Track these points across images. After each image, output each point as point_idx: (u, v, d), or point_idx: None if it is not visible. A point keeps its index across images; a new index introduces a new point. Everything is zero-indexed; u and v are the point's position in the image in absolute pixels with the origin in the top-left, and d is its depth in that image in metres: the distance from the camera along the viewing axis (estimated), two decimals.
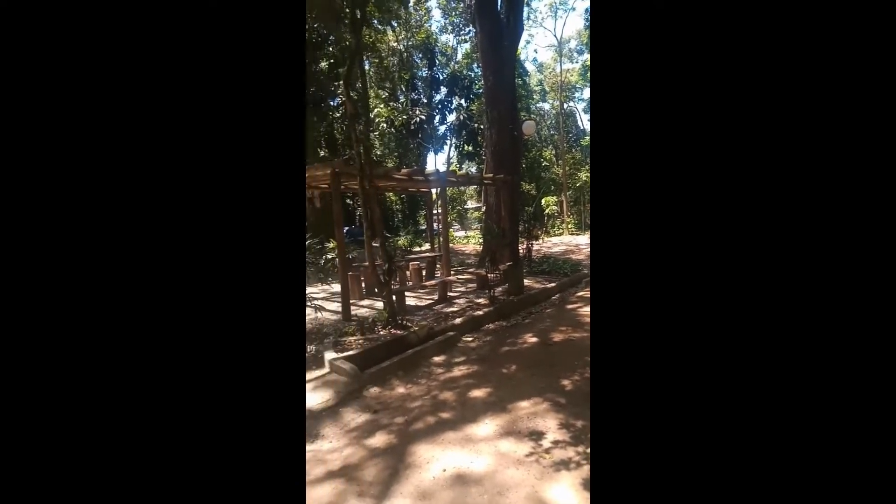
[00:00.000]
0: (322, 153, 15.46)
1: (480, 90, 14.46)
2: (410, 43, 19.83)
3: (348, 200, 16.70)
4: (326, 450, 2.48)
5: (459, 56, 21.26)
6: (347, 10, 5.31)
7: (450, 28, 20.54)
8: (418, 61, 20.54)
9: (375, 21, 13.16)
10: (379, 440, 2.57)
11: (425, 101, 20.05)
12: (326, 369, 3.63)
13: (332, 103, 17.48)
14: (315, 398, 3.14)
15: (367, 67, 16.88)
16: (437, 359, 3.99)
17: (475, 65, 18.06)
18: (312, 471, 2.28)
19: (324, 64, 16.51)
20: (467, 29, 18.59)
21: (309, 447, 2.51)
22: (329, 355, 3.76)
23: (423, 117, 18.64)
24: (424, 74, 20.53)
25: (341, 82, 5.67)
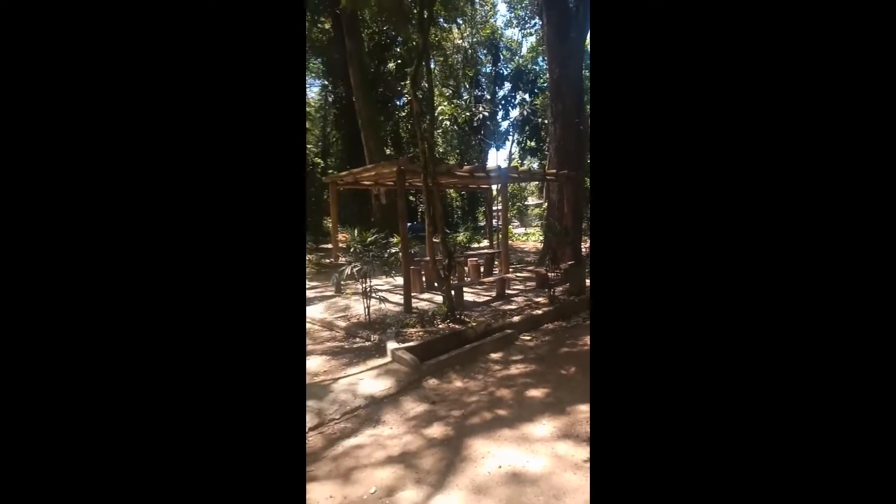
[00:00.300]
0: (388, 151, 16.02)
1: (545, 84, 14.07)
2: (475, 39, 19.80)
3: (411, 197, 17.16)
4: (387, 435, 2.61)
5: (524, 50, 20.84)
6: (415, 11, 5.44)
7: (515, 22, 20.18)
8: (482, 57, 20.46)
9: (441, 19, 13.33)
10: (436, 431, 2.65)
11: (488, 97, 19.95)
12: (388, 358, 3.80)
13: (398, 103, 18.02)
14: (378, 385, 3.30)
15: (431, 66, 17.17)
16: (494, 355, 4.00)
17: (541, 58, 17.60)
18: (374, 454, 2.41)
19: (391, 65, 17.05)
20: (533, 21, 18.15)
21: (371, 431, 2.66)
22: (391, 345, 3.92)
23: (486, 113, 18.57)
24: (488, 70, 20.41)
25: (408, 82, 5.82)
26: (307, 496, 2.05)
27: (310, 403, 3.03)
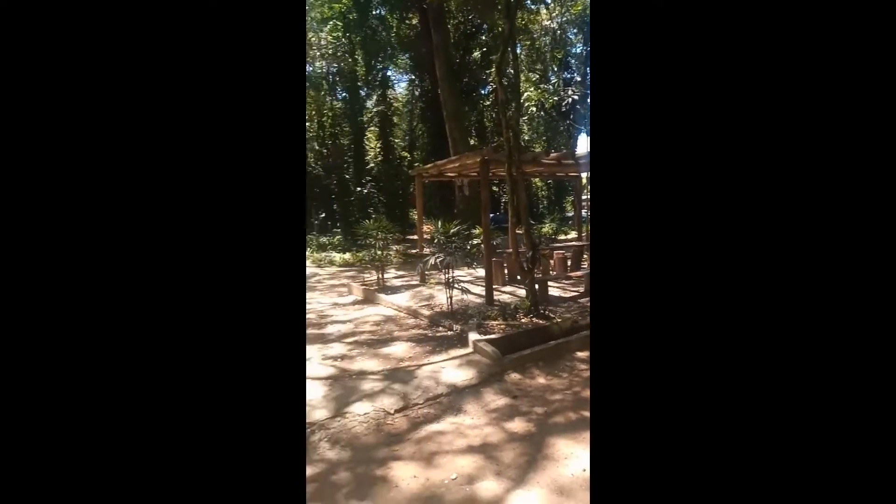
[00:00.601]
0: (472, 142, 16.06)
1: None
2: (564, 18, 18.74)
3: (494, 187, 17.04)
4: (468, 425, 2.65)
5: None
6: None
7: None
8: (573, 37, 19.30)
9: (528, 1, 12.85)
10: (518, 425, 2.62)
11: (579, 78, 18.81)
12: (470, 349, 3.85)
13: (482, 92, 17.90)
14: (459, 375, 3.36)
15: (518, 51, 16.70)
16: (580, 354, 3.82)
17: None
18: (455, 441, 2.46)
19: (476, 54, 16.95)
20: None
21: (452, 419, 2.72)
22: (473, 336, 3.96)
23: (576, 97, 17.56)
24: (579, 51, 19.23)
25: (493, 70, 5.72)
26: (392, 472, 2.17)
27: (396, 387, 3.20)
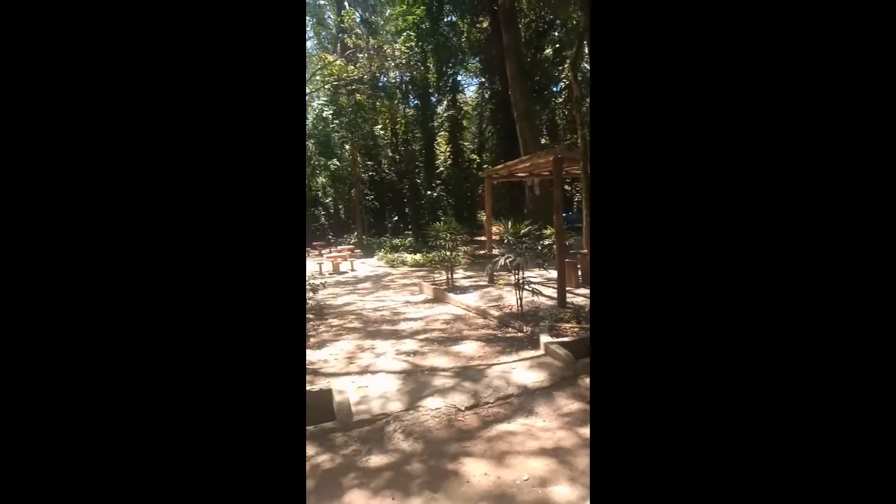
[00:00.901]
0: (543, 141, 15.68)
1: None
2: None
3: (566, 186, 16.44)
4: (540, 427, 2.59)
5: None
6: None
7: None
8: None
9: None
10: None
11: None
12: (541, 351, 3.76)
13: (554, 89, 17.42)
14: (530, 376, 3.30)
15: None
16: None
17: None
18: (526, 443, 2.42)
19: (549, 51, 16.55)
20: None
21: (523, 420, 2.68)
22: (544, 338, 3.86)
23: None
24: None
25: (566, 65, 5.55)
26: (463, 468, 2.20)
27: (466, 384, 3.23)
